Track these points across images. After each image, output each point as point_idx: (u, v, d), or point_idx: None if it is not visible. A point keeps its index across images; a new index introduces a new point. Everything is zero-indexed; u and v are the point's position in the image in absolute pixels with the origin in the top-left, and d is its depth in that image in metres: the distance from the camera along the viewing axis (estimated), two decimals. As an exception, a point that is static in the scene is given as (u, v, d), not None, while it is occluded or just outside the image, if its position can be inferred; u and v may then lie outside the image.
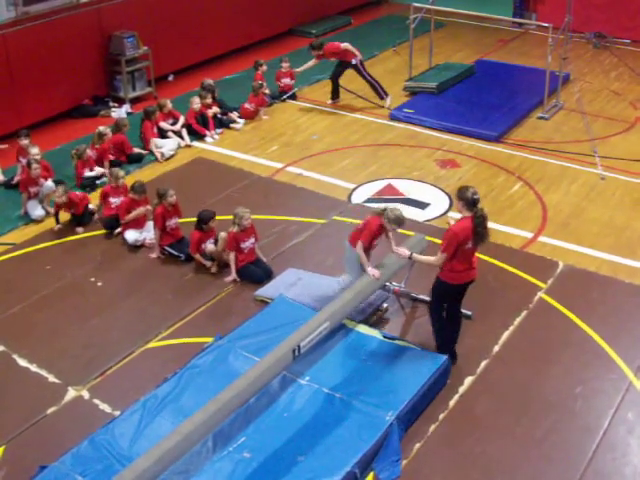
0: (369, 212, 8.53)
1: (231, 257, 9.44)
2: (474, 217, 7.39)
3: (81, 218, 10.71)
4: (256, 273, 9.47)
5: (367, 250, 8.30)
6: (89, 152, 11.70)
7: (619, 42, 18.38)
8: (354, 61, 14.58)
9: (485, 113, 14.19)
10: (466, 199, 7.42)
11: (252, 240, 9.55)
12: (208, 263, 9.67)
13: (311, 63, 15.05)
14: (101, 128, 12.15)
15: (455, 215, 8.88)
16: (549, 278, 9.47)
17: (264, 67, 15.05)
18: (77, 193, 10.87)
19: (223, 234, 9.58)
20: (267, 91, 14.94)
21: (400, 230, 8.41)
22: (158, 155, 12.68)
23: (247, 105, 14.38)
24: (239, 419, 7.11)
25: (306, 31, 19.17)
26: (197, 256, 9.68)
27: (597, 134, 13.41)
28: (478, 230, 7.37)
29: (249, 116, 14.33)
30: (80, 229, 10.65)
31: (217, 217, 9.92)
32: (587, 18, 17.66)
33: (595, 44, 18.27)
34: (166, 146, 12.87)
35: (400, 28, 17.47)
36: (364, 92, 15.39)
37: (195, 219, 9.72)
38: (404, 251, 7.94)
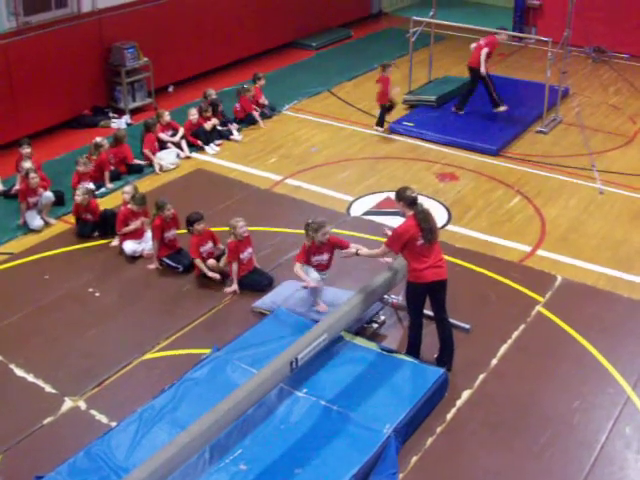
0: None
1: (234, 268, 9.44)
2: (415, 214, 7.63)
3: (97, 225, 10.81)
4: (257, 281, 9.49)
5: (307, 263, 8.80)
6: (90, 167, 11.68)
7: (618, 56, 18.44)
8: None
9: (484, 127, 14.23)
10: (405, 198, 7.74)
11: (250, 250, 9.57)
12: (216, 275, 9.62)
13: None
14: (98, 139, 12.14)
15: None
16: (547, 292, 9.47)
17: (262, 81, 15.08)
18: (95, 201, 11.08)
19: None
20: (267, 102, 15.02)
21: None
22: (157, 167, 12.70)
23: (237, 105, 14.61)
24: (236, 431, 7.09)
25: (306, 44, 19.22)
26: (198, 261, 9.63)
27: (596, 148, 13.44)
28: (422, 226, 7.59)
29: (238, 116, 14.49)
30: (96, 233, 10.78)
31: (216, 229, 9.96)
32: (586, 32, 17.69)
33: (594, 58, 18.33)
34: (166, 159, 12.88)
35: (400, 41, 17.51)
36: (363, 105, 15.45)
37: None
38: (349, 252, 8.49)
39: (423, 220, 7.61)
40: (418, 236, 7.59)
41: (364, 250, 8.43)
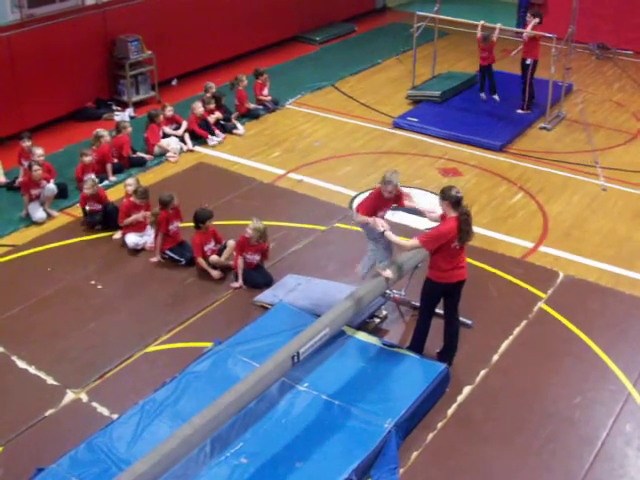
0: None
1: (239, 263, 9.44)
2: (459, 216, 7.49)
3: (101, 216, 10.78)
4: (256, 279, 9.48)
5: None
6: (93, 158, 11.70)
7: (622, 53, 18.41)
8: (529, 61, 14.43)
9: (488, 122, 14.21)
10: (450, 198, 7.52)
11: (257, 257, 9.54)
12: (214, 272, 9.64)
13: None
14: (98, 130, 12.15)
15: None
16: (549, 288, 9.48)
17: (264, 76, 15.04)
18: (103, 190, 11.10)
19: (232, 242, 9.61)
20: (269, 98, 14.99)
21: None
22: (172, 160, 12.76)
23: (235, 100, 14.61)
24: (237, 424, 7.10)
25: (310, 38, 19.18)
26: (200, 260, 9.65)
27: (599, 145, 13.42)
28: (462, 228, 7.48)
29: (240, 111, 14.52)
30: (99, 227, 10.76)
31: (218, 222, 9.95)
32: (590, 29, 17.64)
33: (598, 55, 18.30)
34: (171, 144, 12.96)
35: (404, 36, 17.50)
36: (367, 99, 15.44)
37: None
38: (382, 223, 7.75)
39: (464, 222, 7.49)
40: (456, 238, 7.49)
41: (392, 236, 7.81)
